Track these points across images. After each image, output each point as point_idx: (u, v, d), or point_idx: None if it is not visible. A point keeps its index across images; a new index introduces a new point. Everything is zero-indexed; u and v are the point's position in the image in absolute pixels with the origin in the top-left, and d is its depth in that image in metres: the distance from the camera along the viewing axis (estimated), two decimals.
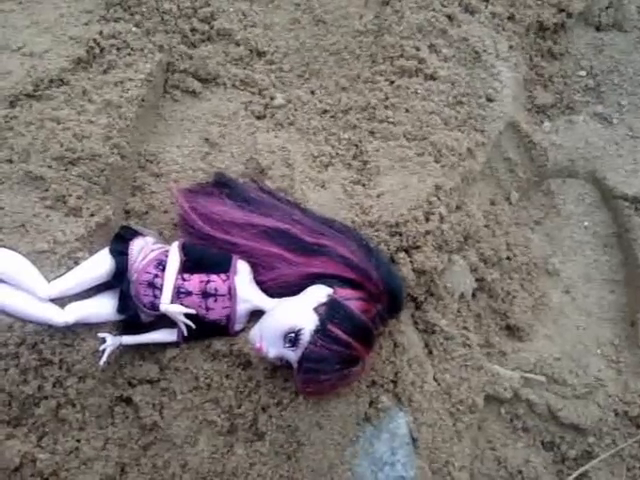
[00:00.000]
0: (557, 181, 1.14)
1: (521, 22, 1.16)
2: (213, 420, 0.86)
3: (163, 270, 0.84)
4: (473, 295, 1.00)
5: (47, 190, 0.90)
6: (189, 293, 0.83)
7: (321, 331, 0.75)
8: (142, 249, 0.87)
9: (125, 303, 0.85)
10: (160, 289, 0.83)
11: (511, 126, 1.09)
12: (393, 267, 0.87)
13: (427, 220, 0.91)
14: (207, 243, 0.89)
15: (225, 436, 0.86)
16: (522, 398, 0.97)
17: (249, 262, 0.87)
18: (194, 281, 0.84)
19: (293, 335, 0.76)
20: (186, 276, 0.84)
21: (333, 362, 0.76)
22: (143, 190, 0.99)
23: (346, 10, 1.16)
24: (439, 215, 0.92)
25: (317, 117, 1.09)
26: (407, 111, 1.04)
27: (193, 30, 1.13)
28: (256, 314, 0.85)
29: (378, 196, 0.94)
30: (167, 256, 0.85)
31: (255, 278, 0.87)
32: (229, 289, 0.84)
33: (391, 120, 1.04)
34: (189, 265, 0.85)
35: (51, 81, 0.99)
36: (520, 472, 0.96)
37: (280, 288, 0.85)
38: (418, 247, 0.90)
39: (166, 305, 0.82)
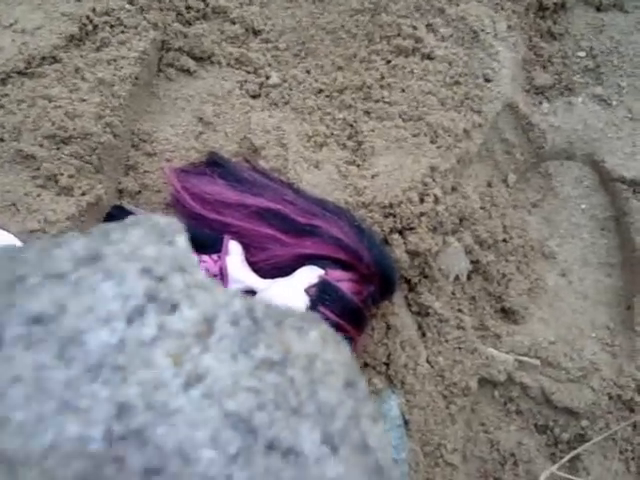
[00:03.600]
0: (555, 163, 1.13)
1: (520, 1, 1.14)
2: None
3: None
4: (468, 277, 0.99)
5: (38, 169, 0.89)
6: None
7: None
8: None
9: None
10: None
11: (509, 107, 1.07)
12: (385, 249, 0.87)
13: (422, 201, 0.91)
14: (199, 223, 0.88)
15: None
16: (516, 381, 0.96)
17: (241, 242, 0.86)
18: None
19: None
20: None
21: None
22: (136, 169, 0.98)
23: None
24: (434, 196, 0.91)
25: (312, 96, 1.08)
26: (403, 91, 1.03)
27: (188, 8, 1.11)
28: (248, 295, 0.84)
29: (372, 177, 0.93)
30: None
31: (247, 258, 0.86)
32: (220, 269, 0.83)
33: (387, 100, 1.02)
34: None
35: (43, 58, 0.97)
36: (513, 455, 0.96)
37: (272, 268, 0.84)
38: (412, 228, 0.89)
39: None
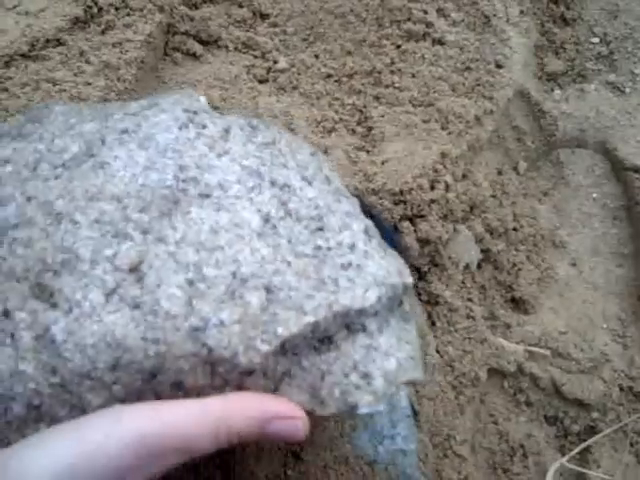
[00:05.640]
0: (566, 151, 1.12)
1: None
2: None
3: None
4: (478, 266, 0.98)
5: None
6: None
7: None
8: None
9: None
10: None
11: (520, 94, 1.06)
12: (398, 239, 0.85)
13: (432, 188, 0.89)
14: None
15: None
16: (526, 372, 0.95)
17: None
18: None
19: None
20: None
21: None
22: None
23: None
24: (445, 183, 0.90)
25: (321, 81, 1.06)
26: (413, 76, 1.01)
27: None
28: None
29: (382, 163, 0.91)
30: None
31: None
32: None
33: (397, 85, 1.01)
34: None
35: (47, 41, 0.96)
36: (522, 446, 0.94)
37: None
38: (423, 216, 0.88)
39: None
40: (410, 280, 0.47)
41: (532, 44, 1.11)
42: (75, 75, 0.94)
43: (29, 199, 0.45)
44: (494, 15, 1.05)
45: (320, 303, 0.42)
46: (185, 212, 0.45)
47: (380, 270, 0.45)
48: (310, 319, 0.41)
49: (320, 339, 0.43)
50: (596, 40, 1.15)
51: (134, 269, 0.41)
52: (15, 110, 0.89)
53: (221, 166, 0.48)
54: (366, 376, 0.43)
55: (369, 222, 0.50)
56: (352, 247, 0.46)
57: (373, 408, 0.44)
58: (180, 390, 0.41)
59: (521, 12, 1.09)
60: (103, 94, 0.92)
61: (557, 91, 1.13)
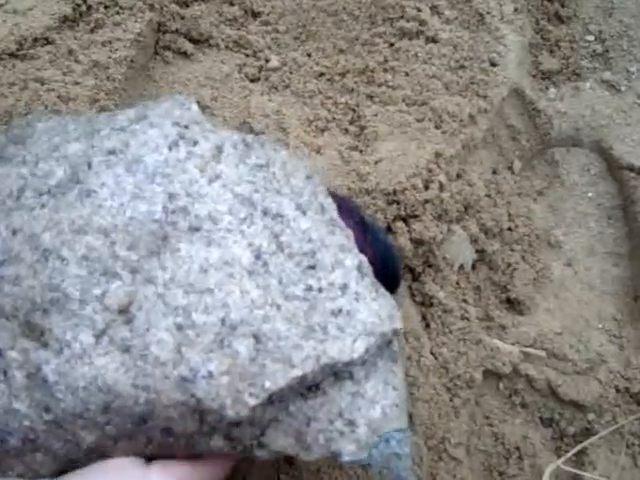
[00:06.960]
0: (561, 150, 1.11)
1: None
2: None
3: None
4: (473, 267, 0.97)
5: None
6: None
7: None
8: None
9: None
10: None
11: (515, 92, 1.05)
12: (390, 242, 0.84)
13: (426, 188, 0.88)
14: None
15: None
16: (521, 373, 0.94)
17: None
18: None
19: None
20: None
21: None
22: None
23: None
24: (439, 183, 0.89)
25: (313, 80, 1.05)
26: (407, 75, 1.00)
27: None
28: None
29: (376, 163, 0.91)
30: None
31: None
32: None
33: (390, 84, 1.00)
34: None
35: (35, 40, 0.95)
36: (518, 448, 0.93)
37: None
38: (416, 216, 0.87)
39: None
40: (400, 325, 0.46)
41: (527, 42, 1.10)
42: (64, 74, 0.93)
43: (15, 232, 0.44)
44: (488, 13, 1.04)
45: (308, 354, 0.41)
46: (174, 249, 0.43)
47: (370, 316, 0.44)
48: (298, 372, 0.41)
49: (307, 387, 0.43)
50: (591, 38, 1.15)
51: (123, 310, 0.41)
52: (3, 110, 0.88)
53: (212, 194, 0.46)
54: (351, 423, 0.43)
55: (363, 257, 0.49)
56: (344, 288, 0.45)
57: (356, 457, 0.44)
58: (170, 436, 0.41)
59: (515, 10, 1.08)
60: (92, 94, 0.91)
61: (552, 89, 1.13)
